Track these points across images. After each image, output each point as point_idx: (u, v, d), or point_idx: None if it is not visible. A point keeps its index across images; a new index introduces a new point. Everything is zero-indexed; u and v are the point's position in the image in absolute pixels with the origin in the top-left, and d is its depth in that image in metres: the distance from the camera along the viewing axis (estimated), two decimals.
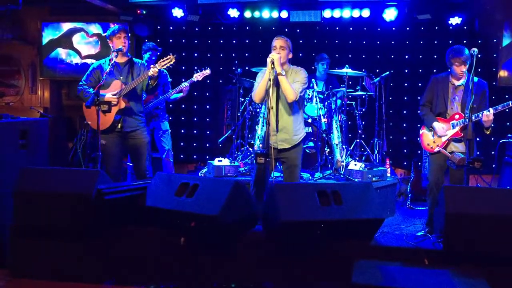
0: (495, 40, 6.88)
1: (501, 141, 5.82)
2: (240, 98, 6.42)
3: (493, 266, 3.04)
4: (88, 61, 7.35)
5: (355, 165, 5.57)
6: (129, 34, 4.67)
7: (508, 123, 7.01)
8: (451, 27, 6.74)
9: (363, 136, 6.23)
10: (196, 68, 5.63)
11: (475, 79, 4.25)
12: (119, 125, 4.56)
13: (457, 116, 4.35)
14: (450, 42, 7.01)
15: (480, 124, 4.29)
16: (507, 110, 4.18)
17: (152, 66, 4.44)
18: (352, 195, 3.25)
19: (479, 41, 6.87)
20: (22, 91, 7.71)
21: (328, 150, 5.88)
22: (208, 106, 7.77)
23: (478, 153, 4.16)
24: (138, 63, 4.70)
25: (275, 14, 6.86)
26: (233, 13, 6.87)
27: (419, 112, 4.70)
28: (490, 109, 4.12)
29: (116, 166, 4.61)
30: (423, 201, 5.98)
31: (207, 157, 7.22)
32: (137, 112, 4.65)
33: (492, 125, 4.22)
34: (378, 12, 6.71)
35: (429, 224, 4.52)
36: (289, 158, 4.25)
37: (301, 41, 7.49)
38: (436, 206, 3.44)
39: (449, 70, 4.47)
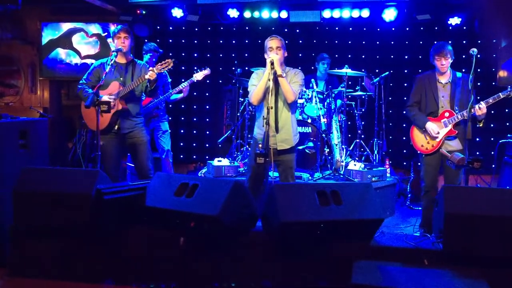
0: (494, 41, 6.89)
1: (500, 141, 5.82)
2: (240, 98, 6.42)
3: (493, 267, 3.03)
4: (88, 61, 7.35)
5: (355, 165, 5.58)
6: (132, 35, 4.63)
7: (508, 123, 7.02)
8: (450, 28, 6.75)
9: (362, 136, 6.23)
10: (196, 68, 5.63)
11: (459, 74, 4.34)
12: (116, 126, 4.52)
13: (447, 114, 4.33)
14: (450, 42, 6.99)
15: (473, 118, 4.20)
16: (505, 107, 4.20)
17: (150, 69, 4.39)
18: (352, 195, 3.24)
19: (479, 42, 6.87)
20: (22, 91, 7.71)
21: (328, 150, 5.88)
22: (207, 106, 7.78)
23: (478, 153, 4.17)
24: (140, 64, 4.65)
25: (274, 14, 6.87)
26: (233, 13, 6.88)
27: (405, 112, 4.65)
28: (482, 102, 4.13)
29: (114, 167, 4.55)
30: None
31: (207, 157, 7.23)
32: (135, 114, 4.59)
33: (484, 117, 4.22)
34: (377, 12, 6.72)
35: (423, 226, 4.51)
36: (286, 161, 4.26)
37: (300, 41, 7.50)
38: (436, 206, 3.43)
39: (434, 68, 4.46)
